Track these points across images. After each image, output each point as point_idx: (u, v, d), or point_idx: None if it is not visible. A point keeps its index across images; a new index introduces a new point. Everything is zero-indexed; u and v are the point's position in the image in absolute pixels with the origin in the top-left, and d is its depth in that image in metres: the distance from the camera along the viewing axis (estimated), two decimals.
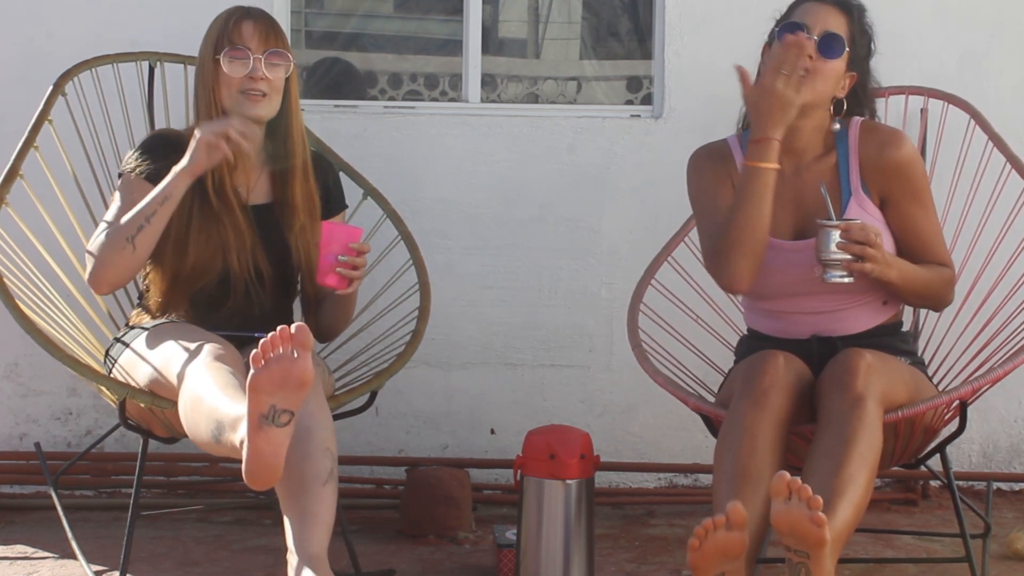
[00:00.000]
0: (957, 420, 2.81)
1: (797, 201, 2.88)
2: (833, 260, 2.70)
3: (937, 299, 2.93)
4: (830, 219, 2.72)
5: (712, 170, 2.95)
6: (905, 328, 3.06)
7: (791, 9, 2.91)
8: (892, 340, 2.92)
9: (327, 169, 3.19)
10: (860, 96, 2.92)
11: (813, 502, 2.32)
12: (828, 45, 2.80)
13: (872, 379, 2.62)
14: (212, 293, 2.97)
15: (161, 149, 2.97)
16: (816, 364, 2.78)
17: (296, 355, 2.37)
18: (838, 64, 2.82)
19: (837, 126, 2.88)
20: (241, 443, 2.44)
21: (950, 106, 3.42)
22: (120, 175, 3.00)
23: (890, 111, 3.47)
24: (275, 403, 2.37)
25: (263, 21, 2.98)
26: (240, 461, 2.44)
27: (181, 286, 2.96)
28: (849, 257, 2.69)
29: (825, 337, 2.87)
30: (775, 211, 2.83)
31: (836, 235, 2.69)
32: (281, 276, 3.03)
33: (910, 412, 2.69)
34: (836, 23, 2.83)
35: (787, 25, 2.84)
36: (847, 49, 2.82)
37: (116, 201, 2.95)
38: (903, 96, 3.47)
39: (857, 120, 2.91)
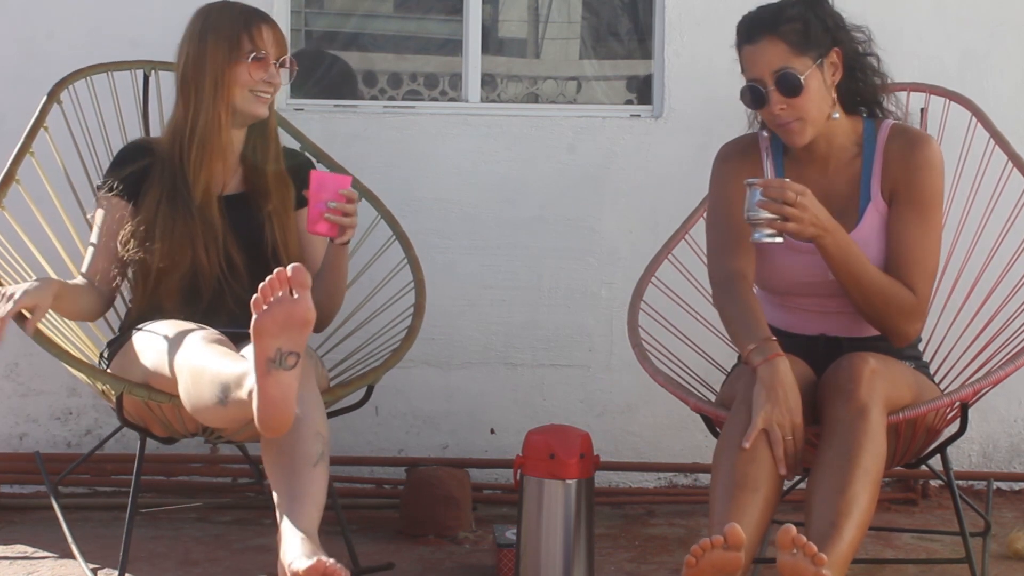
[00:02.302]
0: (958, 421, 2.81)
1: (822, 203, 2.83)
2: (757, 219, 2.62)
3: (885, 315, 2.77)
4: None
5: (735, 176, 2.87)
6: None
7: (739, 52, 2.82)
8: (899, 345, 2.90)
9: (300, 157, 3.23)
10: (854, 61, 2.84)
11: (818, 559, 2.33)
12: (785, 87, 2.74)
13: (876, 385, 2.60)
14: (185, 288, 2.98)
15: (132, 158, 3.04)
16: (821, 363, 2.76)
17: (296, 295, 2.42)
18: (810, 84, 2.74)
19: (837, 115, 2.82)
20: (250, 394, 2.47)
21: (951, 104, 3.40)
22: (97, 190, 3.07)
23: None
24: (280, 345, 2.42)
25: (275, 25, 3.04)
26: (251, 418, 2.48)
27: (160, 284, 2.97)
28: (771, 216, 2.61)
29: (832, 337, 2.87)
30: None
31: (758, 193, 2.62)
32: (256, 264, 3.01)
33: (912, 414, 2.68)
34: (776, 55, 2.73)
35: (747, 92, 2.78)
36: (802, 81, 2.72)
37: (98, 220, 3.03)
38: (904, 93, 3.46)
39: (888, 123, 2.88)
